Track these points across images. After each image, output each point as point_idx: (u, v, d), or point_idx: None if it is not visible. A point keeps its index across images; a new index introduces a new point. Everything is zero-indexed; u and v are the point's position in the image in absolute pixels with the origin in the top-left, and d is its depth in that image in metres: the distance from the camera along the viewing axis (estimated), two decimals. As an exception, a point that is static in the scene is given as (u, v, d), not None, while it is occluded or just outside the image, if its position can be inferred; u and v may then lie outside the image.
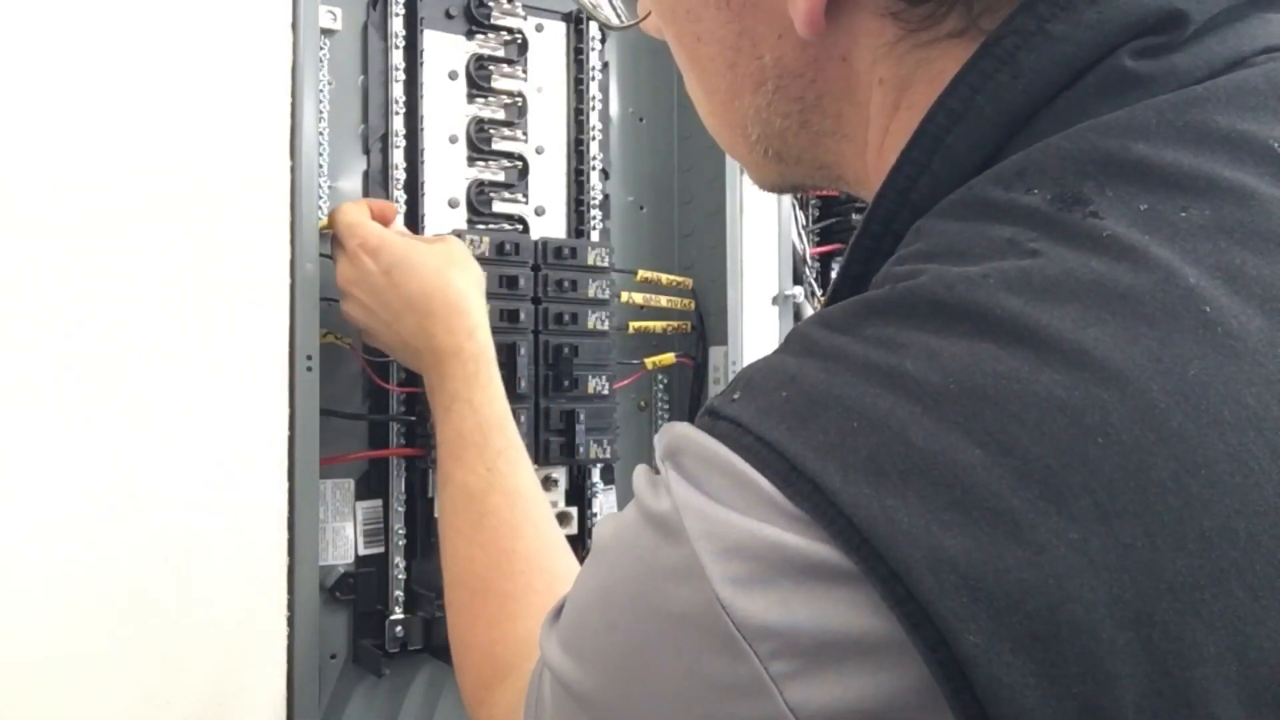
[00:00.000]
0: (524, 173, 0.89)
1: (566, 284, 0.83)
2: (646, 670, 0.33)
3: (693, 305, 0.94)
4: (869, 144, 0.41)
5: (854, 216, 1.00)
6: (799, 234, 0.96)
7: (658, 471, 0.36)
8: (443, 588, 0.69)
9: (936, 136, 0.36)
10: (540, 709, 0.40)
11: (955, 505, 0.28)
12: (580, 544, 0.89)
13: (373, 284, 0.72)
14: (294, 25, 0.71)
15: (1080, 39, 0.34)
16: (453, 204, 0.86)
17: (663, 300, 0.93)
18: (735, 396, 0.34)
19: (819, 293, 0.99)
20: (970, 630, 0.27)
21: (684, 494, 0.32)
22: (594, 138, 0.92)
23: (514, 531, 0.66)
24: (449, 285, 0.72)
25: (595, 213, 0.91)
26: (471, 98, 0.87)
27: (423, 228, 0.83)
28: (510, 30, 0.88)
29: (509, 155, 0.88)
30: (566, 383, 0.82)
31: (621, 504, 0.92)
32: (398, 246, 0.72)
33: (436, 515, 0.71)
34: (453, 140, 0.86)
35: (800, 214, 0.98)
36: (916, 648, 0.27)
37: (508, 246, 0.80)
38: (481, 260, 0.79)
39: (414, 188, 0.83)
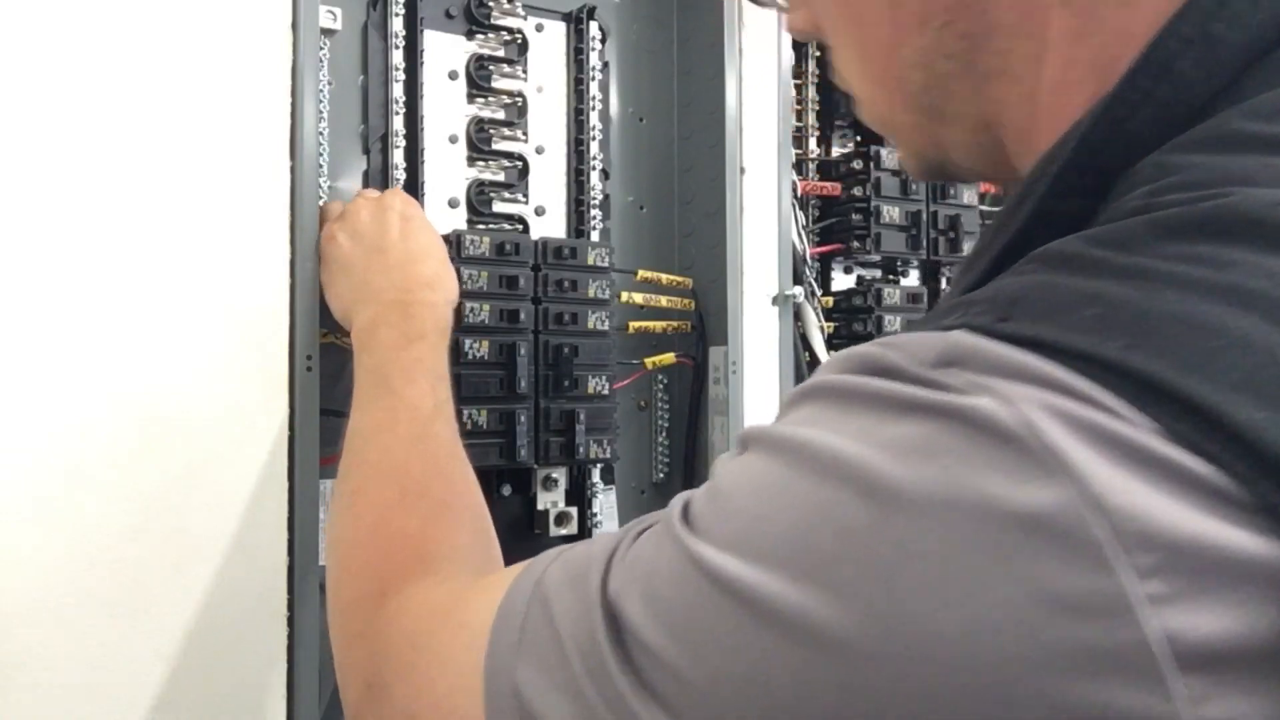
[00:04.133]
0: (524, 173, 0.89)
1: (566, 284, 0.83)
2: (948, 586, 0.27)
3: (693, 305, 0.94)
4: (1042, 81, 0.39)
5: (854, 216, 1.00)
6: (799, 234, 0.96)
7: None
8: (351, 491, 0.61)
9: (1164, 63, 0.34)
10: (591, 635, 0.35)
11: None
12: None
13: (385, 217, 0.73)
14: (294, 25, 0.71)
15: None
16: (453, 204, 0.86)
17: (663, 300, 0.93)
18: (1000, 317, 0.30)
19: (819, 292, 0.99)
20: None
21: (1020, 390, 0.28)
22: (594, 138, 0.92)
23: (454, 459, 0.64)
24: (447, 262, 0.75)
25: (595, 213, 0.91)
26: (471, 98, 0.87)
27: (423, 228, 0.84)
28: (510, 30, 0.88)
29: (509, 155, 0.88)
30: (566, 383, 0.82)
31: (622, 503, 0.92)
32: (423, 213, 0.77)
33: (355, 424, 0.65)
34: (453, 140, 0.86)
35: (800, 214, 0.98)
36: None
37: (508, 246, 0.80)
38: (481, 260, 0.79)
39: (414, 188, 0.83)
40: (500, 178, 0.88)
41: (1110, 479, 0.26)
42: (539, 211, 0.90)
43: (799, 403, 0.35)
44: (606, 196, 0.93)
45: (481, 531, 0.60)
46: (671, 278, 0.94)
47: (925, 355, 0.31)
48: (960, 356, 0.30)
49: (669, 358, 0.92)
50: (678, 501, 0.36)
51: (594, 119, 0.92)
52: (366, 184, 0.83)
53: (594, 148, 0.92)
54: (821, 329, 0.96)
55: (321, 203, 0.76)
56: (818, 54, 1.03)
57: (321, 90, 0.78)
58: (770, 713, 0.30)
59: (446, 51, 0.86)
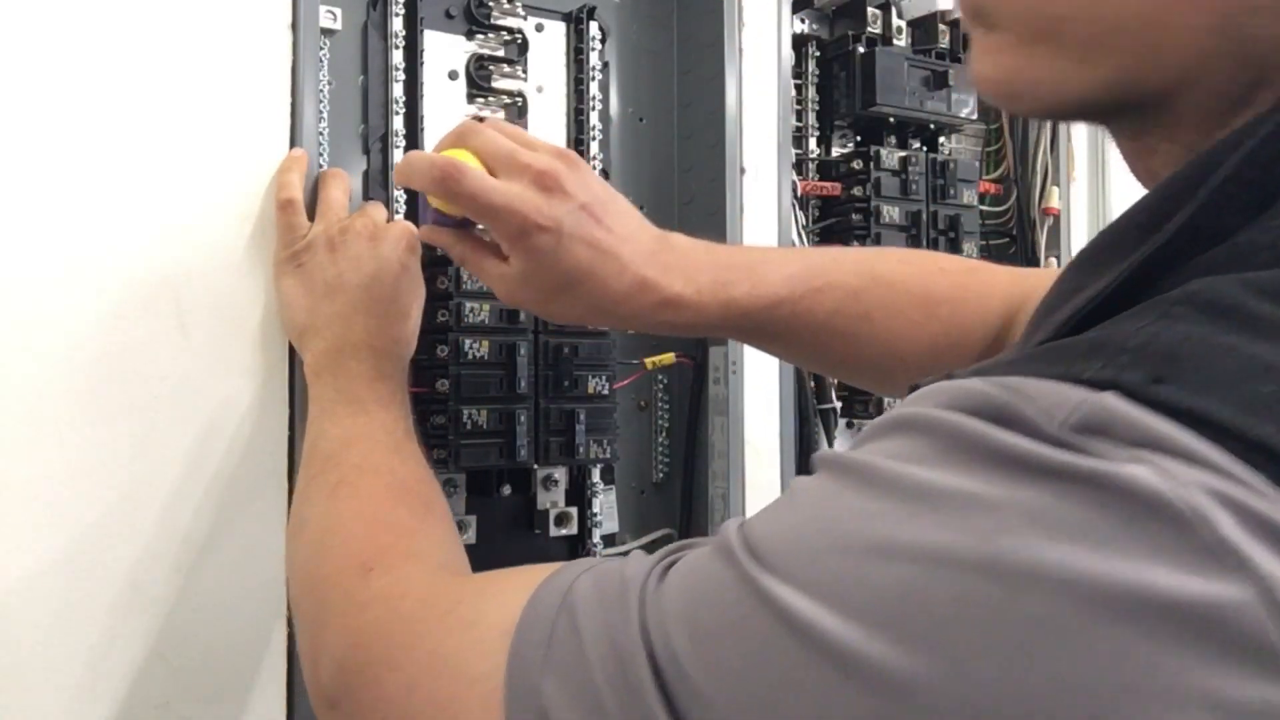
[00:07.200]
0: (524, 173, 0.89)
1: (566, 284, 0.83)
2: (1094, 675, 0.24)
3: (693, 305, 0.94)
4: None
5: (854, 216, 1.00)
6: (799, 234, 0.96)
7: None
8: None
9: None
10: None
11: None
12: (580, 544, 0.89)
13: (383, 254, 0.68)
14: (294, 25, 0.71)
15: None
16: (453, 204, 0.86)
17: (663, 300, 0.93)
18: (1154, 376, 0.26)
19: (819, 293, 0.99)
20: None
21: (1180, 469, 0.24)
22: (594, 138, 0.92)
23: (431, 476, 0.62)
24: (419, 319, 0.72)
25: (595, 213, 0.91)
26: (471, 98, 0.87)
27: (423, 228, 0.83)
28: (510, 30, 0.88)
29: (509, 155, 0.88)
30: (566, 383, 0.82)
31: (622, 503, 0.92)
32: (418, 259, 0.72)
33: (325, 430, 0.63)
34: (453, 140, 0.86)
35: (800, 214, 0.98)
36: None
37: (508, 246, 0.80)
38: (481, 260, 0.79)
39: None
40: (500, 178, 0.88)
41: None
42: (539, 211, 0.90)
43: (889, 433, 0.30)
44: (606, 196, 0.93)
45: (458, 539, 0.60)
46: (671, 278, 0.93)
47: (1062, 414, 0.27)
48: (1106, 424, 0.26)
49: (669, 358, 0.92)
50: (732, 526, 0.33)
51: (594, 119, 0.92)
52: (367, 184, 0.83)
53: (594, 148, 0.91)
54: (821, 329, 0.96)
55: (327, 170, 0.74)
56: (817, 54, 1.03)
57: (321, 90, 0.78)
58: None
59: (446, 51, 0.86)
